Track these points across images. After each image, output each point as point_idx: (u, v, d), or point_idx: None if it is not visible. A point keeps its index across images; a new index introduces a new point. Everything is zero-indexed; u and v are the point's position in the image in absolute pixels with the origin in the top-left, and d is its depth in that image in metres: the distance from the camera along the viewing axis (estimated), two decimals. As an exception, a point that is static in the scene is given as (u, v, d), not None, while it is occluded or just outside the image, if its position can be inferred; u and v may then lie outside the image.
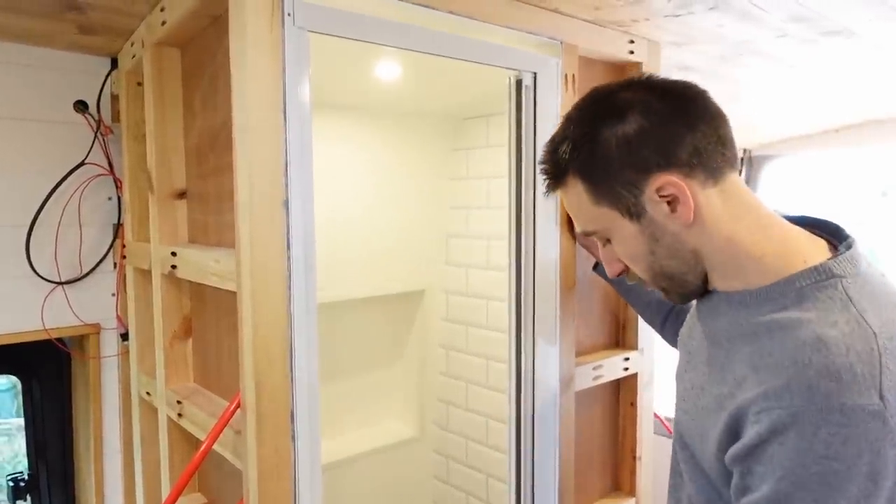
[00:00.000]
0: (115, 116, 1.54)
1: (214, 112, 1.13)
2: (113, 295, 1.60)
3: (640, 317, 1.40)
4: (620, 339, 1.51)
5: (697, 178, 0.75)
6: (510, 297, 1.30)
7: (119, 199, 1.57)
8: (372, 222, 2.16)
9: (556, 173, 0.81)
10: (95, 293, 1.57)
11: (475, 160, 2.21)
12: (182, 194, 1.28)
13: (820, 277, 0.71)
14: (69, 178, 1.49)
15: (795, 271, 0.73)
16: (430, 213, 2.29)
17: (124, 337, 1.58)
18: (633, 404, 1.51)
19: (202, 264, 1.09)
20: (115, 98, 1.53)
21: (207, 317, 1.24)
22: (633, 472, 1.52)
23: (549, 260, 1.28)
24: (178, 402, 1.21)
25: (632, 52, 1.38)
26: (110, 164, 1.55)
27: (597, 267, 1.32)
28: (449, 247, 2.33)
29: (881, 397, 0.63)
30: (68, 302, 1.52)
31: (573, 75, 1.28)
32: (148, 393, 1.40)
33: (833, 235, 0.78)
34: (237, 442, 0.99)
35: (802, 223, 0.80)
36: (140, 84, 1.35)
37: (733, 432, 0.72)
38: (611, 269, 0.87)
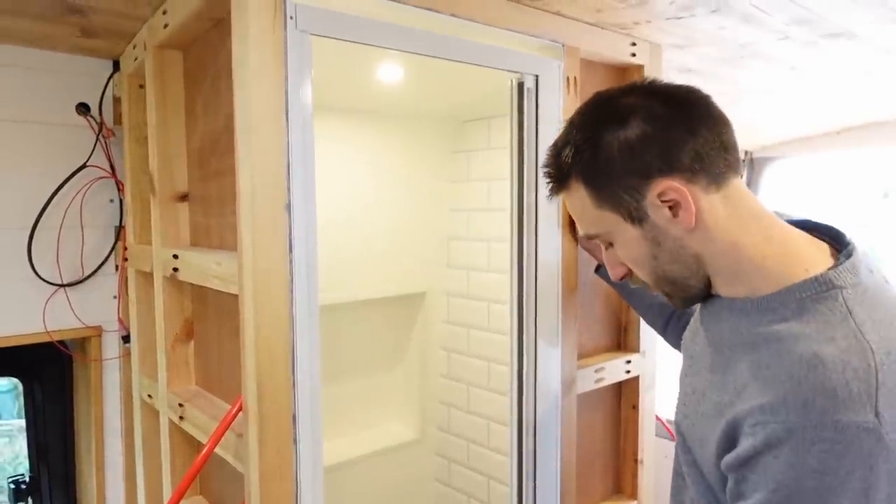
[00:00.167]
0: (117, 119, 1.54)
1: (216, 114, 1.13)
2: (114, 297, 1.60)
3: (642, 319, 1.40)
4: (622, 341, 1.51)
5: (699, 183, 0.75)
6: (512, 299, 1.30)
7: (121, 201, 1.57)
8: (373, 224, 2.16)
9: (559, 177, 0.82)
10: (97, 295, 1.57)
11: (476, 162, 2.21)
12: (184, 197, 1.29)
13: (820, 289, 0.71)
14: (71, 181, 1.49)
15: (797, 280, 0.72)
16: (431, 216, 2.29)
17: (126, 339, 1.58)
18: (635, 407, 1.51)
19: (204, 267, 1.09)
20: (117, 100, 1.54)
21: (209, 319, 1.24)
22: (634, 475, 1.52)
23: (550, 262, 1.28)
24: (180, 405, 1.21)
25: (633, 55, 1.38)
26: (112, 167, 1.55)
27: (599, 269, 1.32)
28: (450, 249, 2.32)
29: (876, 414, 0.64)
30: (70, 304, 1.52)
31: (575, 78, 1.28)
32: (149, 395, 1.40)
33: (835, 240, 0.78)
34: (239, 445, 0.99)
35: (805, 227, 0.80)
36: (142, 86, 1.35)
37: (730, 440, 0.72)
38: (614, 273, 0.87)
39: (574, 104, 1.28)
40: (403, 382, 2.41)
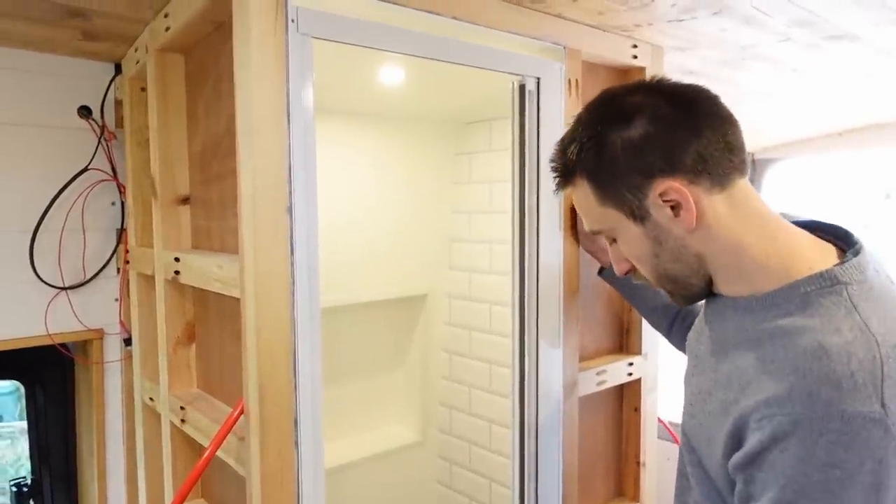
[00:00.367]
0: (119, 122, 1.54)
1: (218, 117, 1.13)
2: (116, 300, 1.60)
3: (645, 321, 1.40)
4: (624, 343, 1.51)
5: (702, 184, 0.75)
6: (514, 301, 1.30)
7: (122, 204, 1.57)
8: (374, 226, 2.16)
9: (565, 173, 0.83)
10: (99, 298, 1.57)
11: (478, 164, 2.21)
12: (185, 200, 1.29)
13: (825, 283, 0.71)
14: (73, 184, 1.49)
15: (801, 277, 0.73)
16: (432, 218, 2.29)
17: (127, 342, 1.58)
18: (637, 409, 1.50)
19: (205, 270, 1.09)
20: (118, 103, 1.54)
21: (210, 322, 1.24)
22: (636, 478, 1.52)
23: (552, 264, 1.28)
24: (182, 408, 1.21)
25: (635, 57, 1.38)
26: (114, 170, 1.55)
27: (601, 271, 1.31)
28: (452, 251, 2.32)
29: (882, 405, 0.63)
30: (72, 307, 1.53)
31: (577, 80, 1.28)
32: (151, 398, 1.40)
33: (842, 240, 0.78)
34: (241, 448, 0.99)
35: (811, 228, 0.80)
36: (144, 89, 1.35)
37: (736, 439, 0.72)
38: (618, 268, 0.88)
39: (575, 107, 1.28)
40: (405, 384, 2.41)
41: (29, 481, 1.66)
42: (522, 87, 1.24)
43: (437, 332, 2.37)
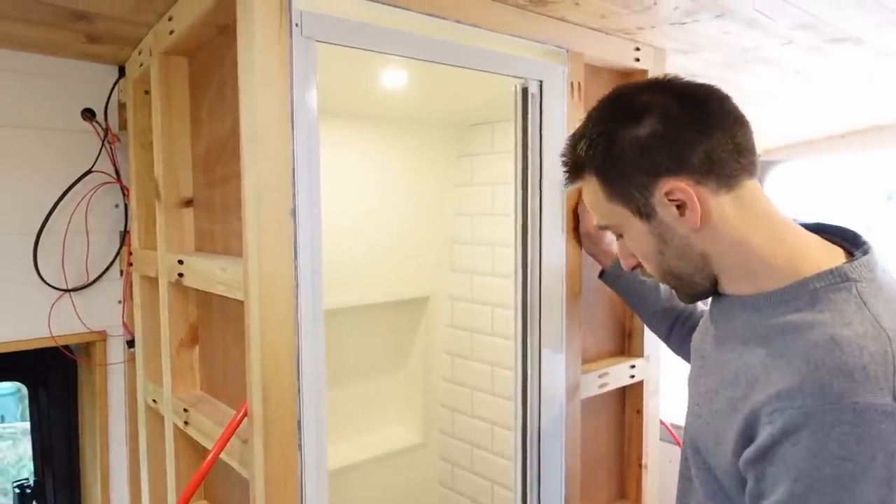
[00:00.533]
0: (123, 124, 1.55)
1: (222, 120, 1.13)
2: (119, 302, 1.60)
3: (645, 326, 1.40)
4: (626, 346, 1.51)
5: (709, 185, 0.76)
6: (516, 304, 1.30)
7: (126, 206, 1.58)
8: (377, 229, 2.16)
9: (574, 168, 0.85)
10: (102, 300, 1.58)
11: (480, 167, 2.21)
12: (189, 202, 1.29)
13: (834, 280, 0.71)
14: (76, 186, 1.49)
15: (809, 275, 0.73)
16: (434, 220, 2.29)
17: (130, 344, 1.58)
18: (640, 412, 1.50)
19: (209, 273, 1.09)
20: (122, 106, 1.54)
21: (214, 324, 1.24)
22: (639, 480, 1.52)
23: (555, 267, 1.28)
24: (185, 410, 1.21)
25: (637, 60, 1.38)
26: (117, 172, 1.55)
27: (603, 275, 1.31)
28: (454, 253, 2.33)
29: (895, 398, 0.63)
30: (75, 309, 1.53)
31: (579, 83, 1.28)
32: (154, 400, 1.40)
33: (850, 242, 0.78)
34: (244, 450, 0.99)
35: (818, 230, 0.80)
36: (147, 92, 1.36)
37: (747, 436, 0.71)
38: (625, 263, 0.89)
39: (578, 109, 1.29)
40: (407, 386, 2.41)
41: (32, 483, 1.66)
42: (525, 90, 1.24)
43: (438, 334, 2.37)
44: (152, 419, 1.44)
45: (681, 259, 0.81)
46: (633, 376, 1.46)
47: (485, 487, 2.25)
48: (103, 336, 1.58)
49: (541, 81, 1.23)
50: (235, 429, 0.99)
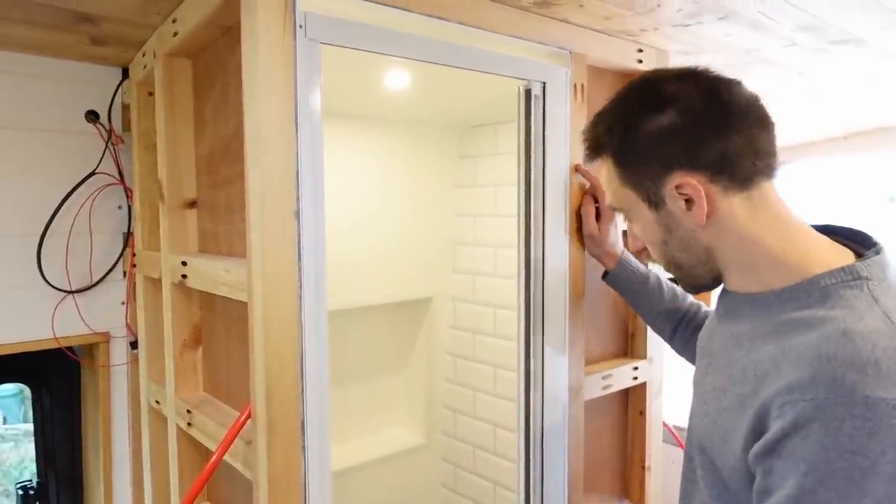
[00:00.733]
0: (126, 126, 1.55)
1: (225, 122, 1.14)
2: (122, 303, 1.60)
3: (649, 326, 1.40)
4: (629, 347, 1.51)
5: (720, 183, 0.76)
6: (519, 305, 1.30)
7: (129, 208, 1.58)
8: (379, 230, 2.17)
9: (593, 147, 0.86)
10: (105, 302, 1.58)
11: (483, 168, 2.21)
12: (192, 204, 1.29)
13: (846, 278, 0.71)
14: (80, 188, 1.50)
15: (820, 272, 0.73)
16: (437, 221, 2.29)
17: (134, 345, 1.59)
18: (643, 413, 1.50)
19: (212, 274, 1.10)
20: (126, 108, 1.55)
21: (217, 326, 1.24)
22: (642, 482, 1.51)
23: (558, 268, 1.28)
24: (188, 412, 1.21)
25: (640, 62, 1.38)
26: (121, 174, 1.56)
27: (606, 276, 1.31)
28: (456, 254, 2.33)
29: None
30: (78, 310, 1.53)
31: (582, 84, 1.28)
32: (157, 402, 1.40)
33: (861, 244, 0.78)
34: (248, 452, 0.99)
35: (827, 232, 0.80)
36: (151, 94, 1.36)
37: (757, 430, 0.71)
38: (632, 244, 0.91)
39: (581, 111, 1.29)
40: (409, 388, 2.41)
41: (35, 484, 1.66)
42: (528, 92, 1.24)
43: (441, 335, 2.37)
44: (155, 420, 1.44)
45: (684, 251, 0.82)
46: (636, 378, 1.45)
47: (487, 489, 2.25)
48: (106, 337, 1.59)
49: (544, 83, 1.23)
50: (239, 430, 1.00)
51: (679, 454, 0.97)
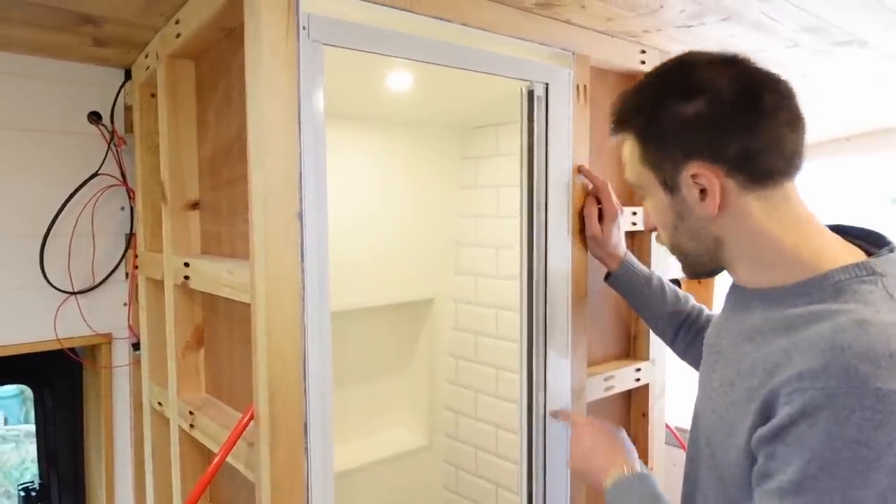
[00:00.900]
0: (129, 127, 1.55)
1: (228, 123, 1.14)
2: (125, 305, 1.60)
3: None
4: (632, 349, 1.51)
5: (737, 178, 0.76)
6: (522, 307, 1.30)
7: (132, 209, 1.58)
8: (381, 231, 2.17)
9: (619, 122, 0.86)
10: (107, 303, 1.58)
11: (485, 169, 2.21)
12: (195, 205, 1.29)
13: (860, 273, 0.71)
14: (83, 189, 1.50)
15: (833, 268, 0.72)
16: (439, 222, 2.29)
17: (136, 347, 1.59)
18: (645, 415, 1.50)
19: (215, 275, 1.09)
20: (128, 109, 1.55)
21: (219, 327, 1.24)
22: (645, 484, 1.51)
23: (560, 270, 1.28)
24: (190, 413, 1.21)
25: (643, 63, 1.38)
26: (123, 175, 1.56)
27: (608, 277, 1.31)
28: (458, 255, 2.33)
29: None
30: (81, 312, 1.53)
31: (585, 86, 1.28)
32: (159, 403, 1.40)
33: (874, 244, 0.78)
34: (250, 454, 0.99)
35: (840, 232, 0.80)
36: (154, 95, 1.36)
37: (764, 416, 0.70)
38: (646, 221, 0.92)
39: (584, 112, 1.29)
40: (411, 389, 2.41)
41: (37, 485, 1.66)
42: (531, 93, 1.24)
43: (442, 336, 2.37)
44: (157, 422, 1.44)
45: (693, 239, 0.82)
46: (638, 379, 1.45)
47: (489, 491, 2.25)
48: (109, 339, 1.59)
49: (546, 84, 1.23)
50: (242, 432, 0.99)
51: (681, 456, 0.97)
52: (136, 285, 1.54)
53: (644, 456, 1.50)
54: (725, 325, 0.86)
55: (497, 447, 2.21)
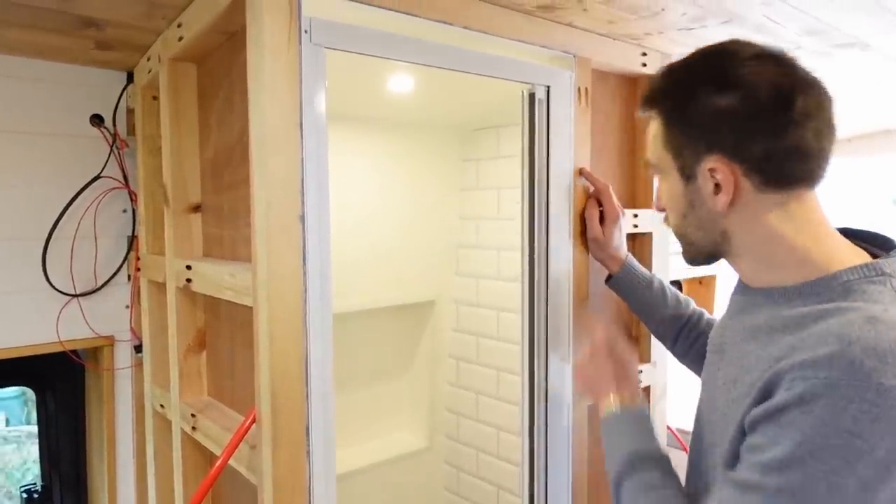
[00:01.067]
0: (131, 130, 1.55)
1: (230, 126, 1.14)
2: (127, 307, 1.61)
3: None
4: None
5: (754, 179, 0.75)
6: (523, 309, 1.30)
7: (134, 211, 1.58)
8: (382, 232, 2.17)
9: (650, 100, 0.85)
10: (110, 305, 1.58)
11: (486, 171, 2.21)
12: (197, 208, 1.29)
13: (869, 273, 0.71)
14: (85, 192, 1.50)
15: (841, 269, 0.73)
16: (440, 224, 2.29)
17: (138, 349, 1.59)
18: (647, 417, 1.50)
19: (217, 278, 1.10)
20: (130, 112, 1.55)
21: (221, 330, 1.24)
22: (646, 486, 1.51)
23: (561, 272, 1.28)
24: (192, 416, 1.21)
25: (644, 65, 1.38)
26: (125, 178, 1.56)
27: (609, 280, 1.31)
28: (459, 257, 2.33)
29: None
30: (83, 314, 1.53)
31: (586, 88, 1.28)
32: (161, 405, 1.40)
33: (881, 247, 0.78)
34: (252, 456, 1.00)
35: (847, 235, 0.80)
36: (156, 98, 1.37)
37: (762, 398, 0.70)
38: (657, 203, 0.92)
39: (585, 114, 1.29)
40: (412, 391, 2.41)
41: (39, 487, 1.66)
42: (532, 96, 1.24)
43: (444, 338, 2.37)
44: (159, 424, 1.44)
45: (700, 229, 0.82)
46: (639, 382, 1.45)
47: (490, 492, 2.25)
48: (111, 341, 1.59)
49: (548, 87, 1.23)
50: (244, 434, 1.00)
51: (683, 458, 0.97)
52: (139, 288, 1.55)
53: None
54: (730, 324, 0.86)
55: (498, 449, 2.21)
